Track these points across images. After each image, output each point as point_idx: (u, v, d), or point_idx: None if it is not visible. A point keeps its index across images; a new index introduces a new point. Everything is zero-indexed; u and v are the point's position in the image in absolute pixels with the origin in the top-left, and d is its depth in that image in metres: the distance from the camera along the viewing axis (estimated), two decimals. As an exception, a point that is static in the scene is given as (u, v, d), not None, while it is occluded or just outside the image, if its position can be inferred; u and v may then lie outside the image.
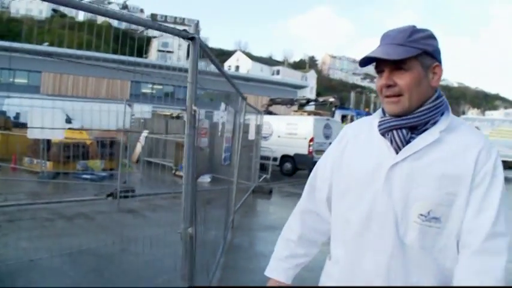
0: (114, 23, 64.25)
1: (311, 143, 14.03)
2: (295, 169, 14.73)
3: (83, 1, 1.88)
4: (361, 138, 1.44)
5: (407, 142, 1.30)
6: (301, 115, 16.86)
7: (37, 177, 9.90)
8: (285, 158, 14.82)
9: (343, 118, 19.51)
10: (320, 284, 1.54)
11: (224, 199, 6.06)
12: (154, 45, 79.48)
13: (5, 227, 5.94)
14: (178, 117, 27.68)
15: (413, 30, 1.29)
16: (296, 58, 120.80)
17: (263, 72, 74.11)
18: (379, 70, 1.33)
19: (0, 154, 11.22)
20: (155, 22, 2.53)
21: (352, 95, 55.86)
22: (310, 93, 61.11)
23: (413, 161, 1.27)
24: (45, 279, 4.22)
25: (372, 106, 53.08)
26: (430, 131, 1.29)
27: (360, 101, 59.86)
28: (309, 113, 17.91)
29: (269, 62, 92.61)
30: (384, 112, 1.40)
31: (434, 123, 1.30)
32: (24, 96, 16.64)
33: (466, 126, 1.34)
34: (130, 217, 7.12)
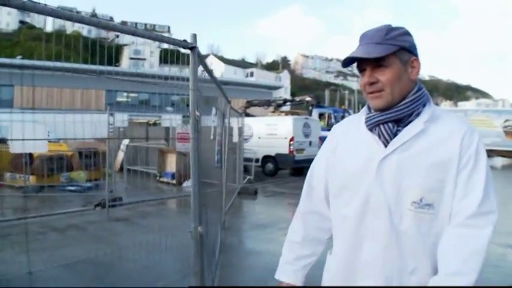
0: (84, 32, 63.39)
1: (291, 143, 14.25)
2: (277, 169, 14.95)
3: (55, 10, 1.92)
4: (350, 136, 1.50)
5: (395, 135, 1.36)
6: (279, 115, 17.07)
7: (21, 192, 9.80)
8: (266, 158, 15.00)
9: (321, 116, 19.75)
10: (323, 279, 1.58)
11: (216, 201, 6.20)
12: (126, 53, 78.71)
13: (-2, 243, 5.94)
14: (155, 124, 27.60)
15: (389, 29, 1.36)
16: (269, 59, 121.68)
17: (237, 75, 74.34)
18: (361, 69, 1.40)
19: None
20: (153, 32, 2.66)
21: (327, 93, 56.52)
22: (284, 93, 61.60)
23: (402, 152, 1.33)
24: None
25: (346, 103, 53.80)
26: (415, 123, 1.35)
27: (335, 99, 60.61)
28: (287, 113, 18.14)
29: (242, 64, 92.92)
30: (369, 109, 1.46)
31: (418, 114, 1.36)
32: (2, 111, 16.32)
33: (448, 114, 1.41)
34: (122, 225, 7.19)
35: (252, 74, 77.01)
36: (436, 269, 1.29)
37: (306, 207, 1.64)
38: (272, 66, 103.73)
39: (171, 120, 15.83)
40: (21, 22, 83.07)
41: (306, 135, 14.87)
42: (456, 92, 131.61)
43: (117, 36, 73.49)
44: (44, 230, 6.61)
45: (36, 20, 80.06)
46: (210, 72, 3.61)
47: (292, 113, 17.90)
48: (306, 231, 1.60)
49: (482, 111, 22.94)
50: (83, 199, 9.26)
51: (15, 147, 8.65)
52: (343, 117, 21.20)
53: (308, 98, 20.62)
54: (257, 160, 14.52)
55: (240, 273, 5.03)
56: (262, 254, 5.58)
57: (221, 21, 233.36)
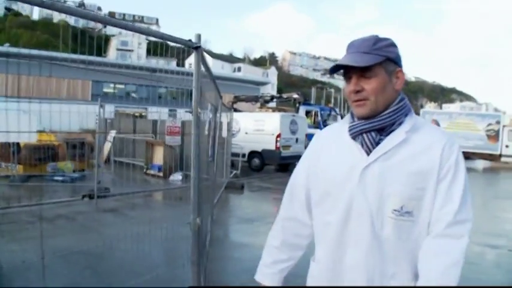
0: (71, 21, 62.54)
1: (278, 139, 14.40)
2: (263, 164, 15.10)
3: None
4: (333, 144, 1.53)
5: (377, 144, 1.39)
6: (266, 112, 17.19)
7: (8, 181, 9.77)
8: (253, 154, 15.14)
9: (307, 114, 19.93)
10: (306, 284, 1.62)
11: (207, 195, 6.32)
12: (113, 43, 77.85)
13: (-13, 231, 5.96)
14: (141, 116, 27.49)
15: (376, 39, 1.40)
16: (256, 55, 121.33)
17: (224, 69, 74.05)
18: (347, 77, 1.43)
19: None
20: (158, 32, 2.76)
21: (313, 90, 56.77)
22: (271, 89, 61.69)
23: (384, 161, 1.37)
24: (42, 279, 4.33)
25: (332, 101, 54.19)
26: (397, 132, 1.39)
27: (321, 97, 60.89)
28: (274, 110, 18.27)
29: (230, 59, 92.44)
30: (352, 117, 1.49)
31: (400, 124, 1.40)
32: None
33: (429, 125, 1.45)
34: (111, 216, 7.26)
35: (239, 69, 76.84)
36: (415, 273, 1.36)
37: (285, 213, 1.67)
38: (259, 62, 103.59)
39: (160, 113, 15.83)
40: (7, 9, 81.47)
41: (293, 132, 15.05)
42: (441, 94, 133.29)
43: (105, 27, 72.62)
44: (32, 220, 6.64)
45: (22, 7, 78.63)
46: (209, 69, 3.72)
47: (279, 110, 18.04)
48: (284, 237, 1.64)
49: (466, 115, 23.48)
50: (69, 189, 9.30)
51: (4, 136, 8.64)
52: (329, 115, 21.44)
53: (295, 95, 20.75)
54: (243, 155, 14.63)
55: (229, 264, 5.17)
56: (249, 246, 5.73)
57: (210, 15, 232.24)
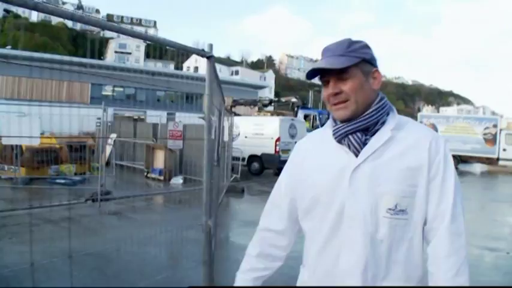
0: (69, 23, 62.57)
1: (277, 143, 14.52)
2: (262, 168, 15.21)
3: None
4: (316, 151, 1.51)
5: (364, 144, 1.38)
6: (264, 115, 17.31)
7: (10, 183, 9.85)
8: (252, 157, 15.26)
9: (306, 117, 20.06)
10: None
11: (213, 197, 6.43)
12: (111, 46, 77.88)
13: (-7, 233, 6.04)
14: (141, 119, 27.62)
15: (350, 42, 1.41)
16: (254, 58, 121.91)
17: (222, 72, 74.03)
18: (324, 81, 1.43)
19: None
20: (172, 40, 2.85)
21: (311, 94, 56.92)
22: (269, 93, 61.88)
23: (374, 160, 1.36)
24: (51, 280, 4.43)
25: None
26: (382, 131, 1.39)
27: (319, 100, 60.97)
28: (272, 113, 18.40)
29: (227, 62, 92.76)
30: (335, 121, 1.48)
31: (383, 123, 1.41)
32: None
33: (412, 122, 1.47)
34: (116, 219, 7.35)
35: (237, 73, 76.94)
36: (408, 275, 1.37)
37: (263, 224, 1.66)
38: (257, 65, 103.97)
39: (160, 117, 15.94)
40: (6, 11, 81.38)
41: (292, 136, 15.16)
42: (438, 98, 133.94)
43: (103, 29, 72.53)
44: (37, 222, 6.73)
45: (21, 9, 78.49)
46: (217, 76, 3.83)
47: (278, 114, 18.17)
48: (261, 248, 1.63)
49: (463, 118, 23.61)
50: (72, 192, 9.35)
51: (9, 140, 8.74)
52: (327, 118, 21.51)
53: (294, 99, 20.89)
54: (243, 159, 14.73)
55: (233, 267, 5.25)
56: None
57: (208, 19, 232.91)
